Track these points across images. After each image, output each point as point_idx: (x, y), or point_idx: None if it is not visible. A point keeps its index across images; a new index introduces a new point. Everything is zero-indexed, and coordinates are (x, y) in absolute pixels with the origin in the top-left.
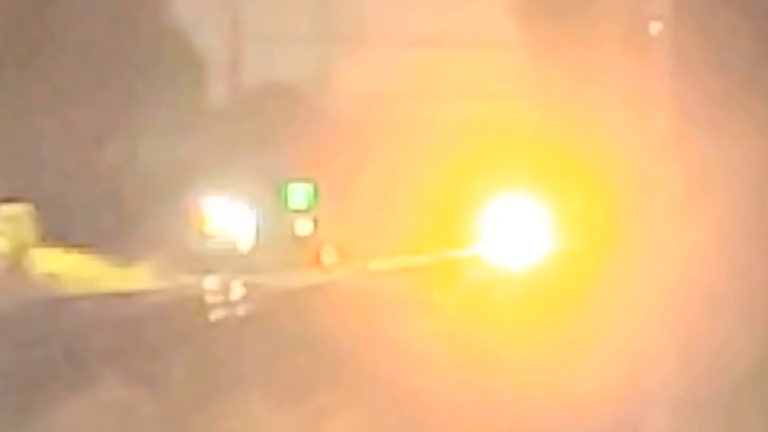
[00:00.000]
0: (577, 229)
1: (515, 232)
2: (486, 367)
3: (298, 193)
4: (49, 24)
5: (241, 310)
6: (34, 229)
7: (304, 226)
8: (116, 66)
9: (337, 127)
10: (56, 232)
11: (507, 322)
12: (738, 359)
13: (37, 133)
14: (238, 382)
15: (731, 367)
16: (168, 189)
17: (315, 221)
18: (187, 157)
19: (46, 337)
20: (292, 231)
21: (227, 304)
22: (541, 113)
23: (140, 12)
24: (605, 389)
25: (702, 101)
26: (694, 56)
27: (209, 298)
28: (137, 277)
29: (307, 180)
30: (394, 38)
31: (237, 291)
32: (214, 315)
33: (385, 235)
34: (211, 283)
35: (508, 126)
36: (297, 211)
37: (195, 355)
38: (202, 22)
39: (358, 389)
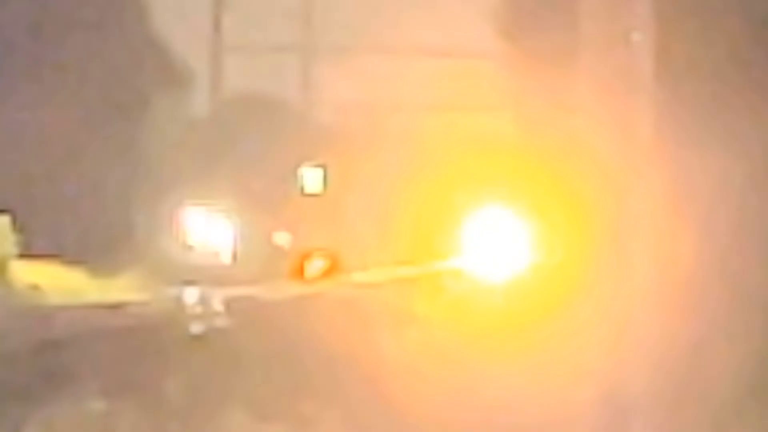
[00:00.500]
0: (558, 242)
1: (497, 245)
2: (468, 379)
3: (312, 178)
4: (32, 37)
5: (222, 322)
6: (13, 240)
7: (283, 238)
8: (98, 77)
9: (320, 139)
10: (37, 244)
11: (489, 333)
12: (719, 370)
13: (17, 144)
14: (220, 395)
15: (712, 377)
16: (150, 200)
17: (295, 233)
18: (169, 169)
19: (27, 349)
20: (272, 242)
21: (208, 316)
22: (522, 126)
23: (122, 23)
24: (586, 400)
25: (683, 112)
26: (675, 66)
27: (190, 310)
28: (119, 289)
29: (317, 165)
30: (378, 49)
31: (218, 303)
32: (195, 327)
33: (368, 246)
34: (191, 295)
35: (489, 138)
36: (313, 196)
37: (177, 366)
38: (185, 33)
39: (341, 401)
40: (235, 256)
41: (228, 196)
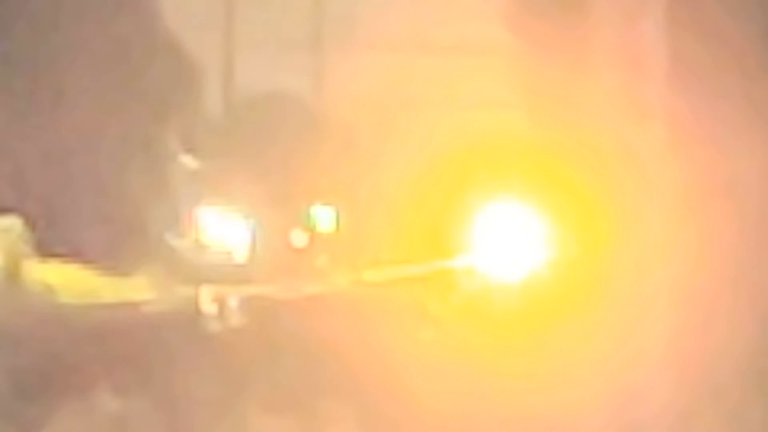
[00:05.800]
0: (574, 239)
1: (510, 242)
2: (483, 379)
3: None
4: (41, 34)
5: (236, 321)
6: (27, 240)
7: (299, 238)
8: (109, 75)
9: (332, 135)
10: (49, 244)
11: (503, 332)
12: (734, 375)
13: (28, 142)
14: (234, 394)
15: (727, 382)
16: (163, 199)
17: (310, 232)
18: (182, 167)
19: (42, 350)
20: (288, 242)
21: (223, 315)
22: (535, 120)
23: (133, 21)
24: (602, 401)
25: (698, 107)
26: (690, 60)
27: (205, 309)
28: (133, 288)
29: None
30: (389, 46)
31: (232, 302)
32: (210, 326)
33: (379, 244)
34: (206, 294)
35: (502, 134)
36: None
37: (191, 366)
38: (197, 30)
39: (354, 401)
40: (250, 256)
41: (242, 195)
